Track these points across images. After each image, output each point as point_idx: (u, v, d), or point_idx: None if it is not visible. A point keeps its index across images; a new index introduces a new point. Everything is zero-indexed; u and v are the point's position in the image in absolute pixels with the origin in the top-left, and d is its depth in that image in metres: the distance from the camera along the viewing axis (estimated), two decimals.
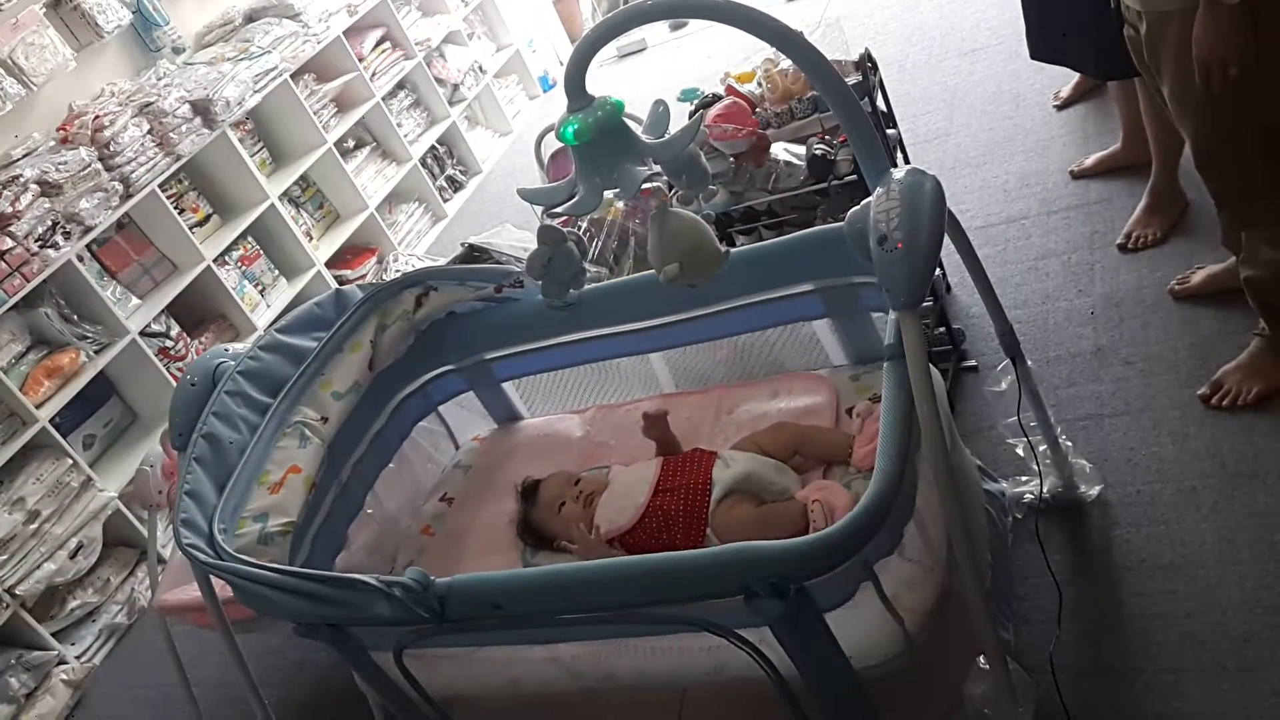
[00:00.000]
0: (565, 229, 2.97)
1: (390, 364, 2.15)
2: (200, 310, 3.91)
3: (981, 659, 1.49)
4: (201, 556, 1.63)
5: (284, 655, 2.67)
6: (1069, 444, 2.03)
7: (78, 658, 3.07)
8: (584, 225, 3.06)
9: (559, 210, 1.59)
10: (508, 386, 2.40)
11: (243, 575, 1.59)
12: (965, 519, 1.39)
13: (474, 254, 3.07)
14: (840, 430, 1.89)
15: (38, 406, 3.13)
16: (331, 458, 1.96)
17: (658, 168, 1.58)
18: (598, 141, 1.47)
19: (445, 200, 5.04)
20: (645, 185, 2.89)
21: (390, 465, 2.25)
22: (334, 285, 4.31)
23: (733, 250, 2.09)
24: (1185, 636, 1.74)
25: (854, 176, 2.32)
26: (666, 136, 1.52)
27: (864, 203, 1.48)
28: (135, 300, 3.62)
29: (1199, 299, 2.33)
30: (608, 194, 1.55)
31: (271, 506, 1.77)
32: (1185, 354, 2.23)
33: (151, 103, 3.64)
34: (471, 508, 2.21)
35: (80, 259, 3.41)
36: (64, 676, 2.98)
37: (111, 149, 3.47)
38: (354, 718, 2.09)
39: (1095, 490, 2.02)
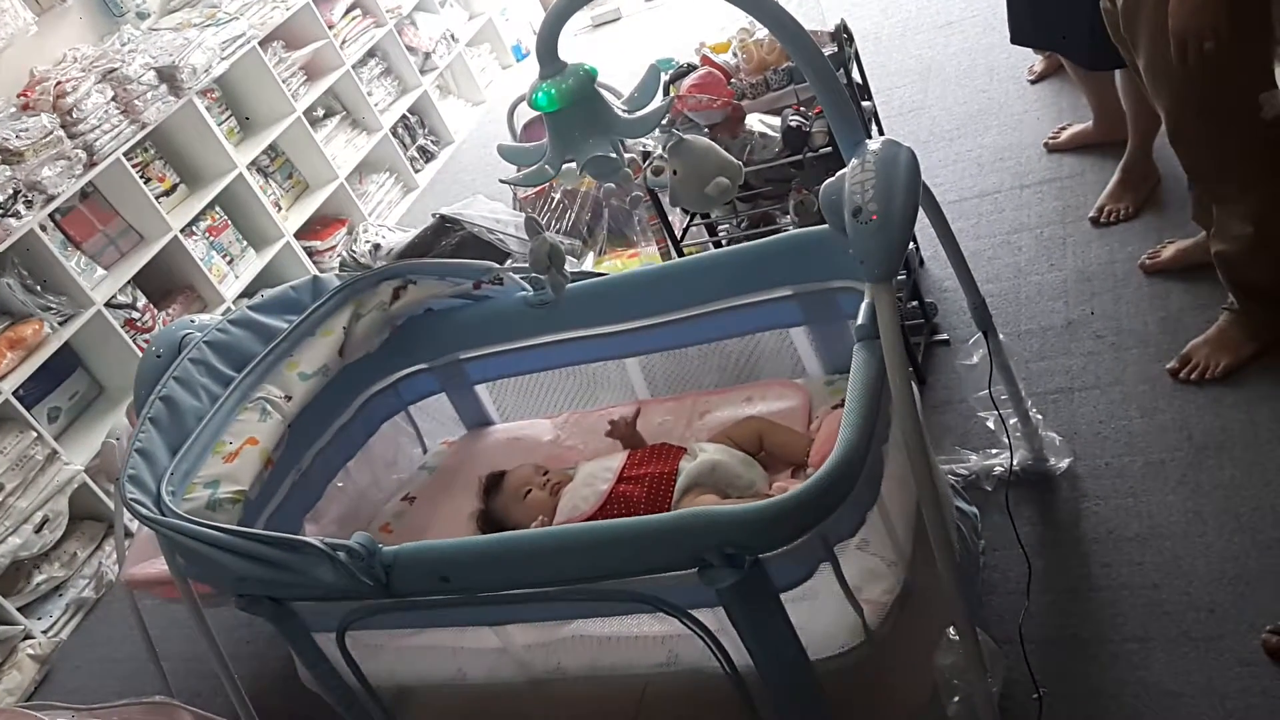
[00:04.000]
0: (536, 202, 2.94)
1: (362, 356, 2.13)
2: (167, 281, 3.85)
3: (952, 630, 1.50)
4: (144, 512, 1.61)
5: (255, 629, 2.65)
6: (1039, 417, 2.05)
7: (44, 632, 3.04)
8: (557, 197, 3.05)
9: (515, 179, 1.58)
10: (480, 389, 2.38)
11: (183, 532, 1.57)
12: (936, 490, 1.40)
13: (445, 224, 3.04)
14: (805, 433, 1.89)
15: (0, 379, 3.08)
16: (293, 440, 1.94)
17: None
18: (570, 108, 1.46)
19: (416, 171, 4.98)
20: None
21: (353, 460, 2.24)
22: (303, 256, 4.26)
23: (712, 253, 2.09)
24: (1151, 606, 1.76)
25: (829, 148, 2.31)
26: (646, 110, 1.51)
27: (839, 174, 1.47)
28: (100, 271, 3.55)
29: (1169, 273, 2.34)
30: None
31: (224, 474, 1.75)
32: (1155, 328, 2.24)
33: (115, 69, 3.56)
34: (433, 506, 2.20)
35: (43, 228, 3.33)
36: (30, 651, 2.95)
37: (74, 116, 3.39)
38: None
39: (1065, 463, 2.04)
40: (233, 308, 3.72)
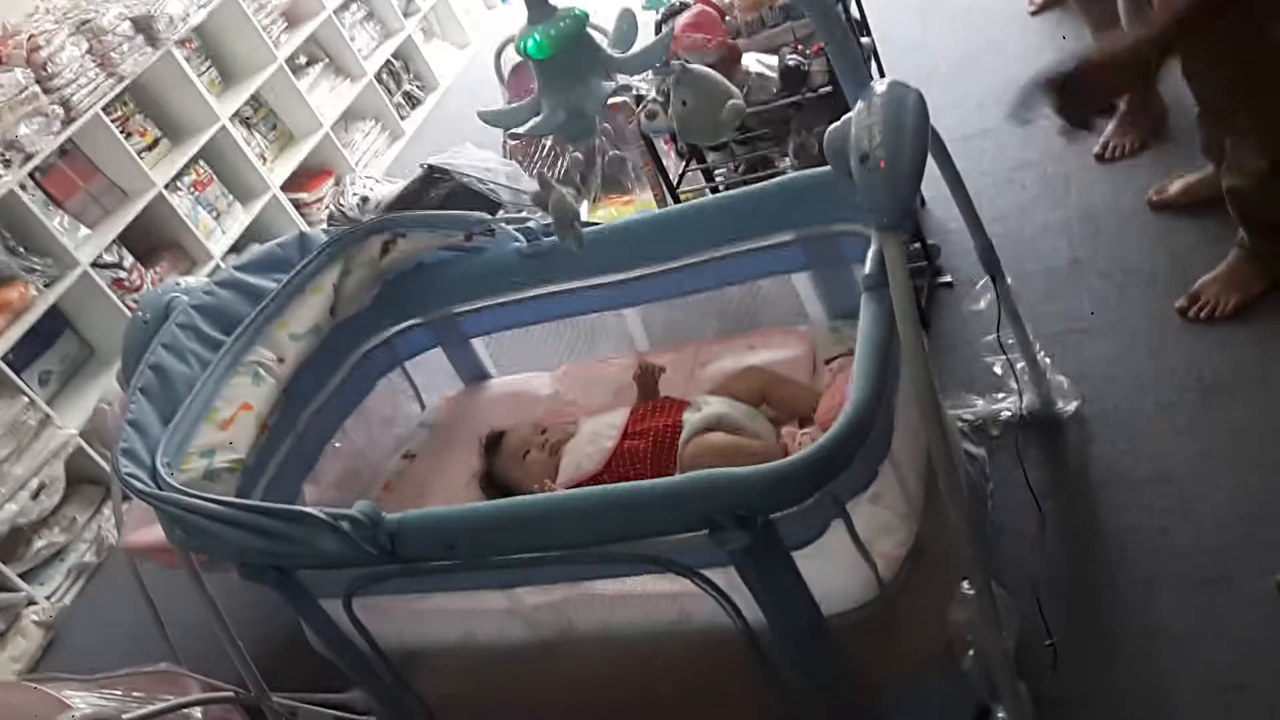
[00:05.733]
0: (527, 150, 2.86)
1: (354, 314, 2.09)
2: (154, 239, 3.77)
3: (965, 584, 1.48)
4: (140, 486, 1.57)
5: (257, 593, 2.62)
6: (1047, 360, 2.02)
7: (48, 598, 3.03)
8: (548, 145, 2.98)
9: (519, 131, 1.52)
10: (477, 343, 2.35)
11: (183, 507, 1.54)
12: (947, 437, 1.36)
13: (434, 175, 2.97)
14: (809, 386, 1.85)
15: None
16: (288, 404, 1.91)
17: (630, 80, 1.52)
18: (560, 56, 1.40)
19: (403, 118, 4.89)
20: (612, 100, 2.79)
21: (351, 419, 2.21)
22: (290, 209, 4.19)
23: (712, 198, 2.03)
24: (1161, 549, 1.74)
25: (828, 88, 2.24)
26: (633, 50, 1.45)
27: (844, 118, 1.42)
28: (85, 230, 3.48)
29: (1176, 209, 2.29)
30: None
31: (220, 443, 1.72)
32: (1163, 266, 2.20)
33: (89, 20, 3.46)
34: (433, 464, 2.18)
35: (23, 188, 3.26)
36: (35, 618, 2.94)
37: (49, 70, 3.30)
38: None
39: (1072, 406, 2.01)
40: (221, 265, 3.67)
